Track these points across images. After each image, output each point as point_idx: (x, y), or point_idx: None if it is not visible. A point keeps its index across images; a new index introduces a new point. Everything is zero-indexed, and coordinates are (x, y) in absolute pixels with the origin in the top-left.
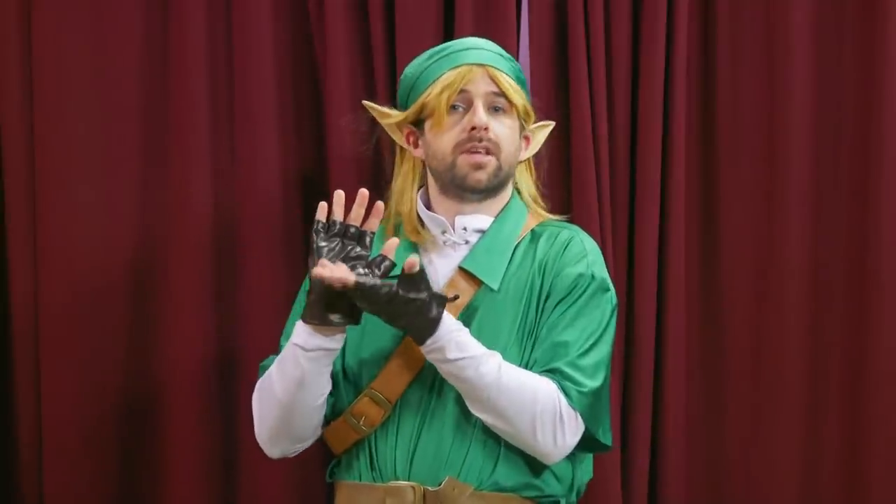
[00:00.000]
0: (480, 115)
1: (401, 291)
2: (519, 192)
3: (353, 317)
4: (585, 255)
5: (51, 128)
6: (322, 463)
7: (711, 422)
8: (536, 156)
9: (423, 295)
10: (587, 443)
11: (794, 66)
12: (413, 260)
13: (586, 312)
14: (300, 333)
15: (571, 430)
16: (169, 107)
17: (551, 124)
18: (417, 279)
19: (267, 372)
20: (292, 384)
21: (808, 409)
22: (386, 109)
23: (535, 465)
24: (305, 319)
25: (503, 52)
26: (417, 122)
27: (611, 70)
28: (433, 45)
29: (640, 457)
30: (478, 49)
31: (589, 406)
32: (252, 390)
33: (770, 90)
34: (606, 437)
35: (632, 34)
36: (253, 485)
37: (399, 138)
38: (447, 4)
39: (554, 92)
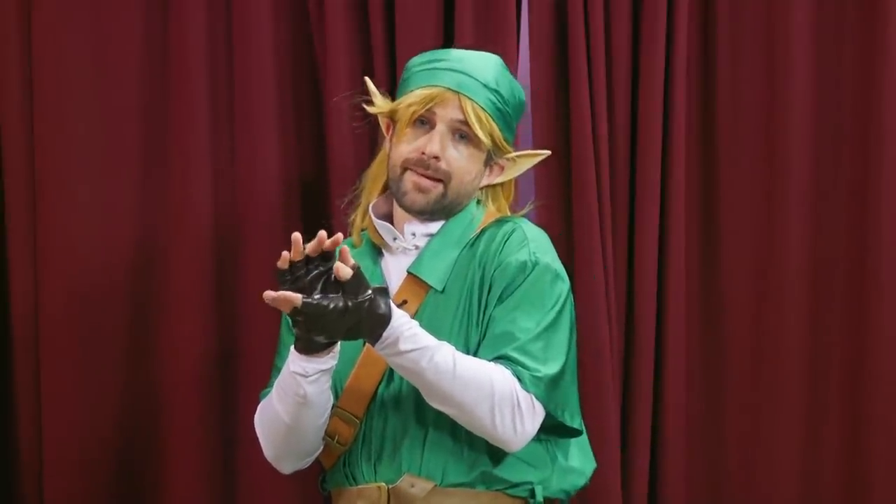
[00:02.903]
0: (434, 143)
1: (350, 302)
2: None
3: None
4: (527, 242)
5: (51, 128)
6: (321, 465)
7: (711, 422)
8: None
9: (369, 293)
10: (556, 429)
11: (794, 66)
12: (338, 267)
13: (532, 298)
14: (296, 361)
15: (529, 415)
16: (169, 107)
17: (543, 154)
18: (356, 280)
19: (267, 397)
20: (296, 407)
21: (808, 409)
22: (377, 96)
23: (499, 458)
24: (297, 349)
25: (496, 80)
26: (392, 118)
27: (611, 70)
28: (433, 46)
29: (640, 457)
30: (460, 73)
31: (546, 391)
32: (251, 390)
33: (770, 90)
34: (574, 421)
35: (632, 34)
36: (252, 486)
37: (383, 124)
38: (447, 4)
39: (554, 92)
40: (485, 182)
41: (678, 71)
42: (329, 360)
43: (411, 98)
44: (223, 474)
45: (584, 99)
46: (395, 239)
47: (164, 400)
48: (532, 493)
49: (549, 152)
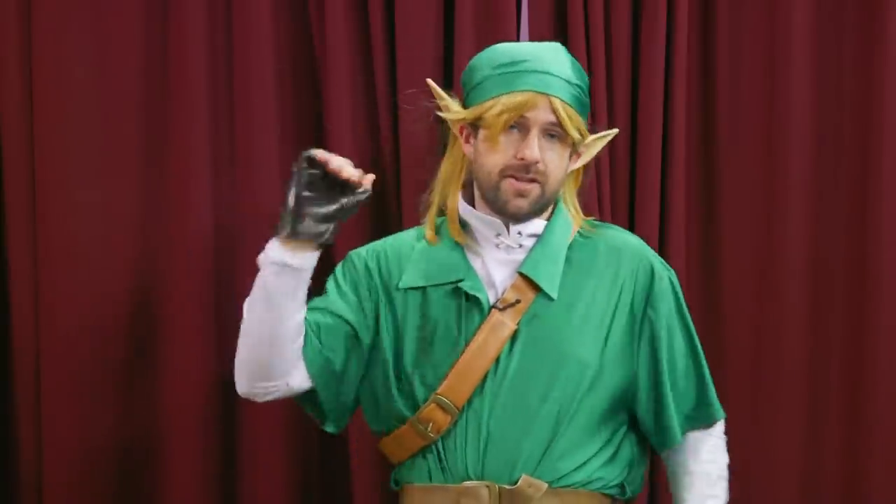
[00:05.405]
0: (534, 149)
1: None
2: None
3: (321, 229)
4: (668, 283)
5: (51, 128)
6: (321, 480)
7: None
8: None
9: None
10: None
11: (794, 66)
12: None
13: (689, 334)
14: (267, 249)
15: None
16: (169, 107)
17: (612, 133)
18: None
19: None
20: (258, 303)
21: (808, 409)
22: (447, 98)
23: (608, 458)
24: (275, 234)
25: (571, 70)
26: (472, 124)
27: (611, 70)
28: (433, 45)
29: None
30: (546, 74)
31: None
32: None
33: (770, 90)
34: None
35: (632, 34)
36: (252, 500)
37: (453, 126)
38: (447, 4)
39: None
40: (569, 168)
41: (678, 71)
42: (296, 259)
43: (500, 106)
44: (223, 490)
45: None
46: (497, 235)
47: (164, 401)
48: (622, 489)
49: (616, 131)
